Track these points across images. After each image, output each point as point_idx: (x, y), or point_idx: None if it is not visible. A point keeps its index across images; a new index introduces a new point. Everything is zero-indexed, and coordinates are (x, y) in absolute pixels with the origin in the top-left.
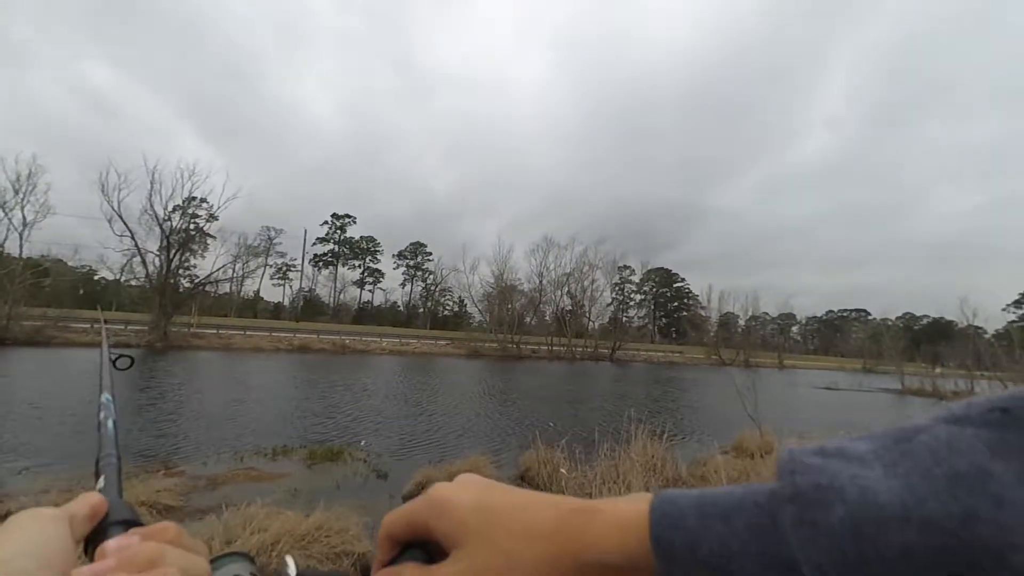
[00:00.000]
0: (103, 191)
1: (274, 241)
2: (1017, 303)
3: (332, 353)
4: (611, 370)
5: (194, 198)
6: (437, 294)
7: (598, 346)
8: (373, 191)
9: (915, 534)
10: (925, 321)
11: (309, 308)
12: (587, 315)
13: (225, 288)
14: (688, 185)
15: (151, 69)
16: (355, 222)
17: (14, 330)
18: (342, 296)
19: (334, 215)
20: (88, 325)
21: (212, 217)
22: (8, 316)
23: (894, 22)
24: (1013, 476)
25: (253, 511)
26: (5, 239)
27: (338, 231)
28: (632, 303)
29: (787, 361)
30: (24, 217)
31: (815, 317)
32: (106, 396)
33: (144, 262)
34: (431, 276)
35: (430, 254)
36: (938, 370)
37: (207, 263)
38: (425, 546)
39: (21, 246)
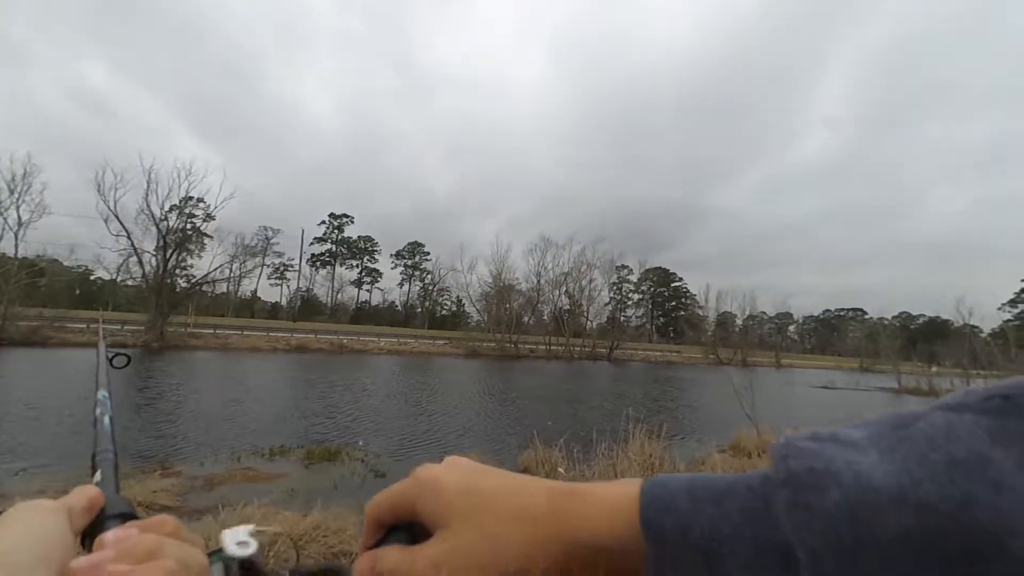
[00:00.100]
0: (99, 190)
1: (271, 241)
2: (1012, 302)
3: (330, 353)
4: (609, 369)
5: (191, 198)
6: (435, 294)
7: (596, 345)
8: (372, 191)
9: (911, 518)
10: (921, 320)
11: (307, 308)
12: (585, 314)
13: (222, 288)
14: (687, 185)
15: (151, 69)
16: (352, 222)
17: (10, 330)
18: (340, 296)
19: (331, 215)
20: (84, 325)
21: (209, 217)
22: (4, 316)
23: (894, 22)
24: (1013, 463)
25: (250, 511)
26: (0, 239)
27: (335, 231)
28: (630, 302)
29: (784, 360)
30: (19, 217)
31: (812, 316)
32: (102, 393)
33: (140, 262)
34: (429, 276)
35: (428, 254)
36: (934, 369)
37: (204, 263)
38: (411, 528)
39: (17, 246)
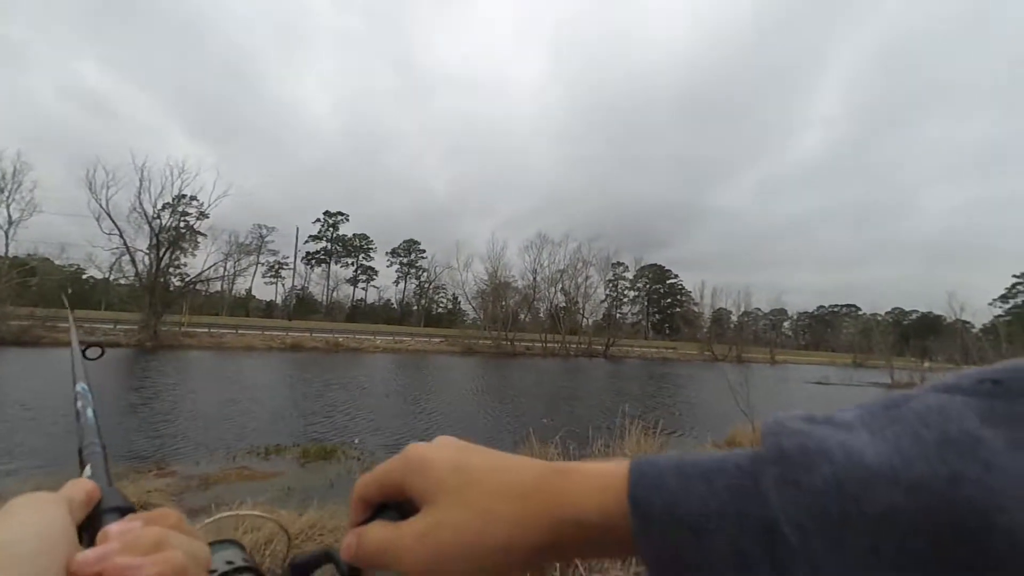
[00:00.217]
0: (91, 188)
1: (266, 239)
2: (1004, 297)
3: (325, 351)
4: (605, 366)
5: (184, 196)
6: (431, 292)
7: (592, 342)
8: (372, 191)
9: (901, 495)
10: (914, 316)
11: (302, 306)
12: (581, 312)
13: (216, 286)
14: (686, 184)
15: (150, 69)
16: (347, 220)
17: (1, 330)
18: (335, 294)
19: (326, 212)
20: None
21: (203, 215)
22: None
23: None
24: (1002, 443)
25: (246, 511)
26: None
27: (330, 229)
28: (626, 300)
29: (779, 356)
30: (9, 215)
31: (806, 313)
32: (81, 385)
33: (133, 260)
34: (425, 274)
35: (423, 252)
36: (927, 364)
37: (198, 261)
38: (400, 507)
39: (7, 245)
